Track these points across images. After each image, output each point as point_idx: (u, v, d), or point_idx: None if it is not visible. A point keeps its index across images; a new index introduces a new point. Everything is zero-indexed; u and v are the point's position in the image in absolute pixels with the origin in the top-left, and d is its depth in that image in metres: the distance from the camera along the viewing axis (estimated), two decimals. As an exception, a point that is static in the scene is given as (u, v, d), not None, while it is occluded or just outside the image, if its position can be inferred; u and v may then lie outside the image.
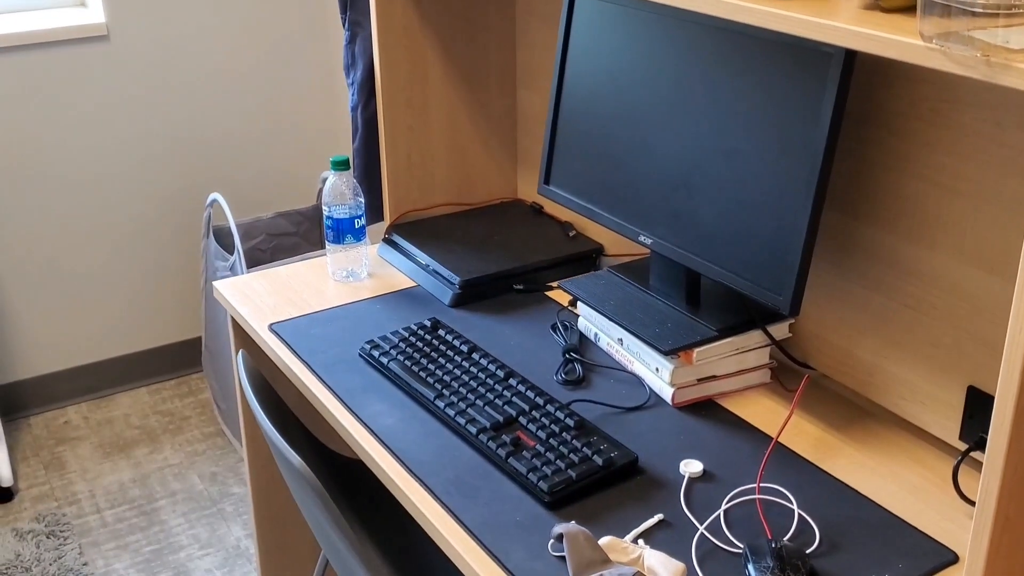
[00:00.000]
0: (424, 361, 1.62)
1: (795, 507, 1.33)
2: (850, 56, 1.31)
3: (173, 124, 3.13)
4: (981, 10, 0.93)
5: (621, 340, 1.65)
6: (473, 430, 1.46)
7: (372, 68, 2.09)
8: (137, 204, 3.14)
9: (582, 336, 1.75)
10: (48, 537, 2.63)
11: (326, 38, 3.28)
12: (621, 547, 1.24)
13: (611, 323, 1.64)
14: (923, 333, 1.44)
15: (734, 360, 1.57)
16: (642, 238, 1.64)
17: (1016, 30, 0.94)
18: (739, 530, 1.30)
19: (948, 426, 1.44)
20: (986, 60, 0.94)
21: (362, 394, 1.59)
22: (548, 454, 1.40)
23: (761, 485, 1.37)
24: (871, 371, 1.53)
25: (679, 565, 1.21)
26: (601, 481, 1.37)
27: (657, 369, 1.57)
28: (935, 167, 1.37)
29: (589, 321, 1.73)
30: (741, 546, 1.26)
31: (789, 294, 1.42)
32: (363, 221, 1.94)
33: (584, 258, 1.97)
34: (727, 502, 1.35)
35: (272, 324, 1.80)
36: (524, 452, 1.41)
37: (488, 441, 1.43)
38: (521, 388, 1.54)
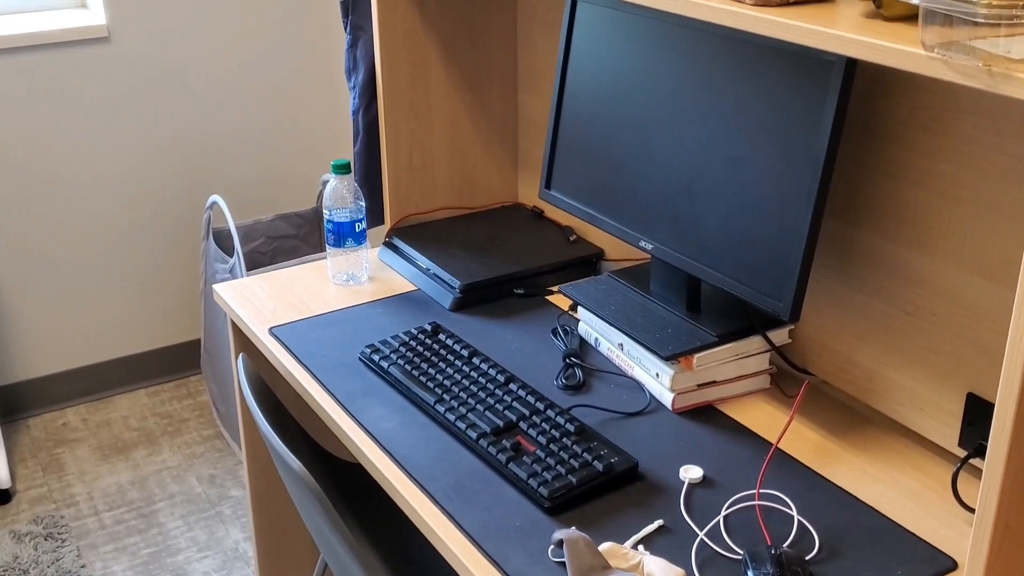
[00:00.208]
0: (424, 365, 1.63)
1: (795, 513, 1.34)
2: (851, 64, 1.32)
3: (173, 126, 3.13)
4: (983, 20, 0.93)
5: (621, 345, 1.65)
6: (473, 435, 1.46)
7: (374, 71, 2.09)
8: (137, 206, 3.15)
9: (582, 341, 1.75)
10: (46, 539, 2.62)
11: (327, 42, 3.28)
12: (621, 553, 1.24)
13: (611, 328, 1.65)
14: (923, 340, 1.44)
15: (734, 365, 1.58)
16: (643, 243, 1.64)
17: (1017, 40, 0.95)
18: (739, 536, 1.30)
19: (947, 433, 1.44)
20: (987, 70, 0.95)
21: (362, 398, 1.59)
22: (548, 459, 1.40)
23: (761, 491, 1.38)
24: (871, 377, 1.53)
25: (679, 571, 1.21)
26: (601, 487, 1.37)
27: (657, 374, 1.57)
28: (935, 175, 1.37)
29: (589, 326, 1.73)
30: (741, 552, 1.27)
31: (789, 300, 1.42)
32: (364, 225, 1.94)
33: (585, 262, 1.97)
34: (727, 508, 1.35)
35: (272, 327, 1.80)
36: (524, 457, 1.41)
37: (488, 446, 1.43)
38: (521, 393, 1.54)
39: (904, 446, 1.48)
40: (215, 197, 2.83)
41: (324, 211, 1.93)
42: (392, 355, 1.66)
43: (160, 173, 3.15)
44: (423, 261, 1.96)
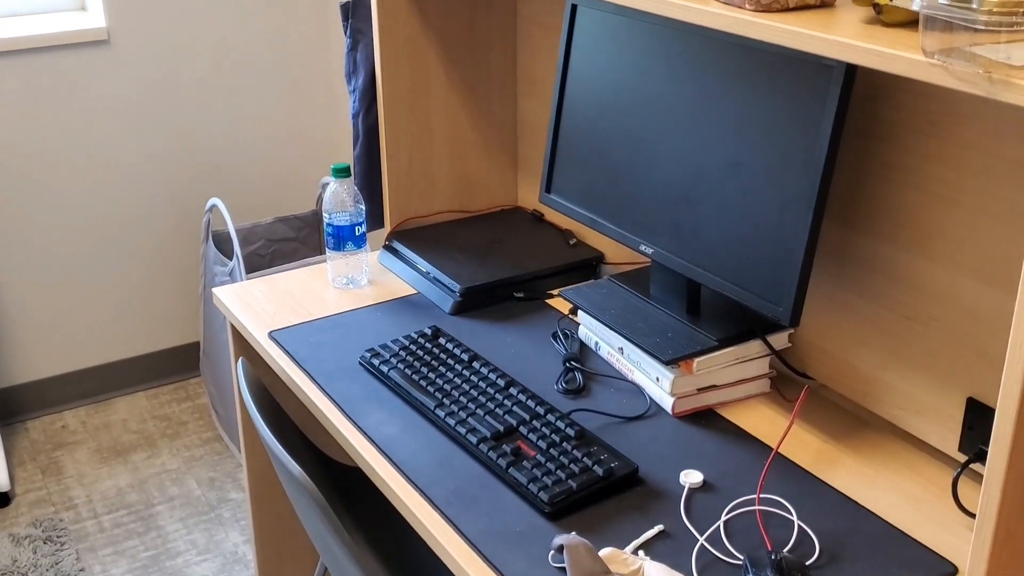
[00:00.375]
0: (424, 370, 1.63)
1: (795, 518, 1.34)
2: (851, 69, 1.32)
3: (173, 129, 3.13)
4: (983, 26, 0.93)
5: (622, 349, 1.65)
6: (473, 440, 1.46)
7: (373, 75, 2.09)
8: (136, 208, 3.14)
9: (582, 345, 1.75)
10: (45, 543, 2.62)
11: (327, 45, 3.28)
12: (621, 558, 1.24)
13: (612, 332, 1.65)
14: (922, 344, 1.44)
15: (734, 370, 1.58)
16: (643, 248, 1.64)
17: (1018, 46, 0.95)
18: (739, 541, 1.30)
19: (947, 437, 1.44)
20: (988, 76, 0.95)
21: (362, 403, 1.59)
22: (548, 464, 1.40)
23: (761, 496, 1.38)
24: (870, 382, 1.53)
25: (679, 576, 1.21)
26: (601, 491, 1.37)
27: (657, 378, 1.57)
28: (935, 179, 1.38)
29: (589, 330, 1.73)
30: (741, 557, 1.27)
31: (789, 305, 1.42)
32: (363, 228, 1.94)
33: (585, 266, 1.97)
34: (727, 513, 1.35)
35: (272, 331, 1.80)
36: (524, 462, 1.41)
37: (488, 451, 1.43)
38: (522, 397, 1.54)
39: (904, 450, 1.48)
40: (214, 200, 2.83)
41: (324, 215, 1.93)
42: (392, 359, 1.66)
43: (159, 176, 3.15)
44: (423, 265, 1.96)
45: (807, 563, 1.26)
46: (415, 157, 2.09)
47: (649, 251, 1.63)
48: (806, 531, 1.32)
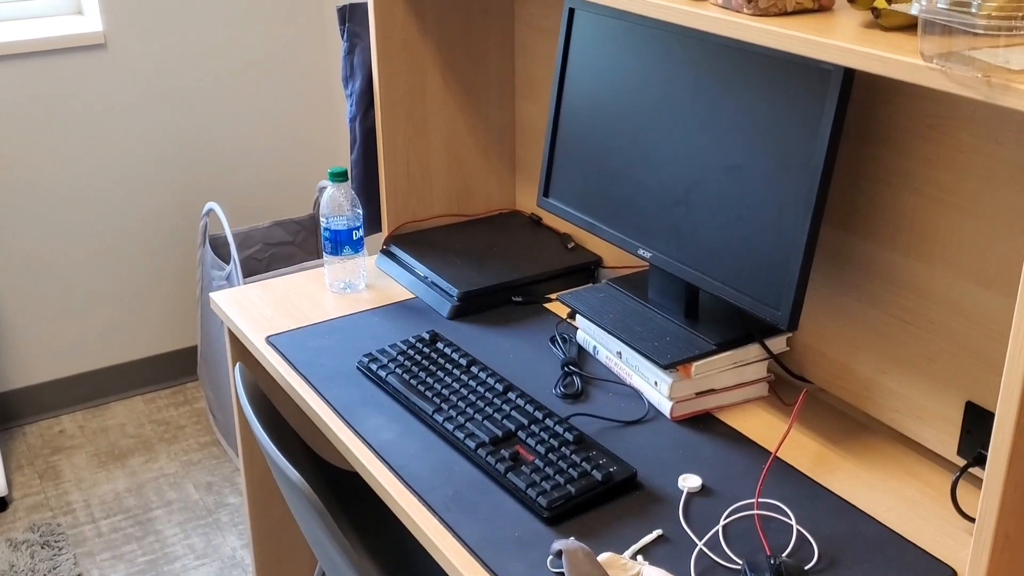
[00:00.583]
0: (422, 374, 1.62)
1: (793, 523, 1.33)
2: (849, 73, 1.32)
3: (170, 133, 3.12)
4: (982, 30, 0.93)
5: (620, 353, 1.65)
6: (472, 445, 1.46)
7: (371, 79, 2.09)
8: (133, 212, 3.14)
9: (581, 349, 1.75)
10: (43, 547, 2.62)
11: (324, 48, 3.28)
12: (620, 563, 1.24)
13: (610, 336, 1.64)
14: (920, 347, 1.44)
15: (732, 374, 1.57)
16: (641, 252, 1.64)
17: (1017, 50, 0.95)
18: (738, 546, 1.30)
19: (946, 441, 1.44)
20: (987, 81, 0.95)
21: (360, 408, 1.59)
22: (547, 469, 1.39)
23: (759, 500, 1.37)
24: (868, 385, 1.53)
25: (678, 581, 1.21)
26: (600, 496, 1.37)
27: (656, 383, 1.57)
28: (933, 183, 1.37)
29: (588, 334, 1.73)
30: (740, 562, 1.26)
31: (787, 309, 1.42)
32: (361, 233, 1.94)
33: (583, 270, 1.97)
34: (726, 517, 1.35)
35: (269, 336, 1.79)
36: (523, 467, 1.40)
37: (487, 456, 1.43)
38: (520, 402, 1.54)
39: (902, 454, 1.48)
40: (211, 204, 2.83)
41: (321, 219, 1.93)
42: (390, 364, 1.65)
43: (156, 180, 3.15)
44: (421, 269, 1.95)
45: (806, 568, 1.25)
46: (412, 161, 2.09)
47: (647, 255, 1.63)
48: (805, 535, 1.31)
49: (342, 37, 2.14)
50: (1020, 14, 0.92)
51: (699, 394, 1.56)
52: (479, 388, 1.58)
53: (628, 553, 1.28)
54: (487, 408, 1.53)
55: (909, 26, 1.12)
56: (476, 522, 1.34)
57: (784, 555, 1.27)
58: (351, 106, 2.15)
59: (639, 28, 1.60)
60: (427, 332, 1.74)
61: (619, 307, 1.68)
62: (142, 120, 3.07)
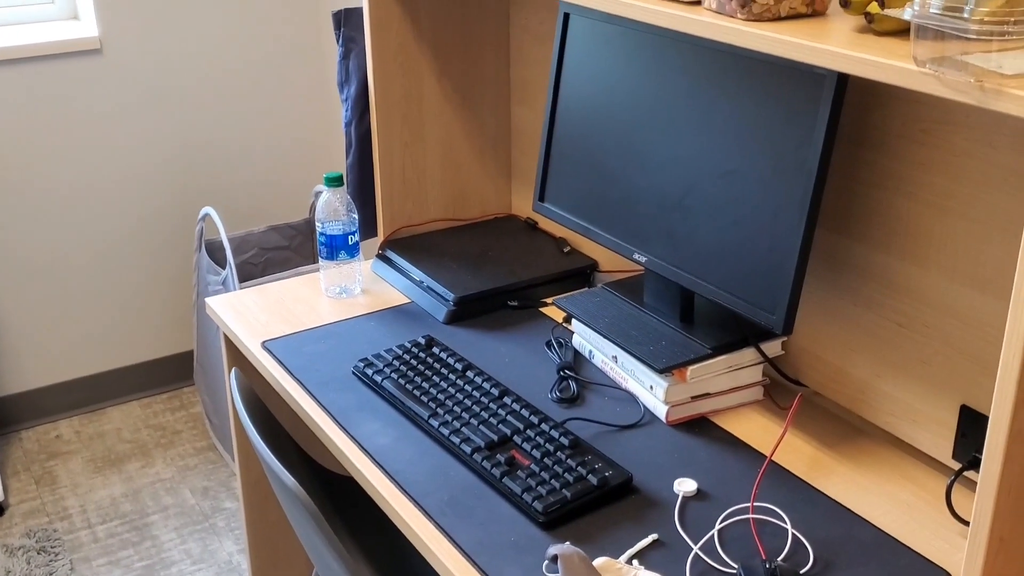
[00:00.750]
0: (418, 379, 1.62)
1: (789, 526, 1.33)
2: (843, 78, 1.32)
3: (166, 138, 3.12)
4: (974, 35, 0.94)
5: (615, 357, 1.65)
6: (467, 449, 1.46)
7: (366, 83, 2.09)
8: (129, 217, 3.14)
9: (576, 353, 1.75)
10: (39, 553, 2.61)
11: (320, 53, 3.28)
12: (616, 568, 1.24)
13: (605, 340, 1.65)
14: (915, 351, 1.44)
15: (728, 378, 1.58)
16: (636, 256, 1.64)
17: (1009, 55, 0.95)
18: (733, 550, 1.30)
19: (941, 444, 1.44)
20: (979, 85, 0.95)
21: (356, 413, 1.59)
22: (543, 473, 1.40)
23: (755, 504, 1.37)
24: (863, 389, 1.53)
25: (674, 586, 1.21)
26: (595, 501, 1.37)
27: (651, 387, 1.57)
28: (927, 187, 1.38)
29: (583, 338, 1.73)
30: (735, 566, 1.26)
31: (782, 313, 1.42)
32: (357, 237, 1.94)
33: (578, 274, 1.97)
34: (721, 522, 1.35)
35: (265, 341, 1.79)
36: (519, 471, 1.40)
37: (482, 460, 1.43)
38: (515, 406, 1.54)
39: (897, 458, 1.48)
40: (207, 209, 2.83)
41: (317, 224, 1.93)
42: (386, 369, 1.65)
43: (152, 184, 3.15)
44: (416, 274, 1.95)
45: (801, 571, 1.26)
46: (408, 165, 2.09)
47: (642, 259, 1.63)
48: (800, 539, 1.31)
49: (337, 42, 2.14)
50: (1012, 19, 0.92)
51: (694, 398, 1.56)
52: (475, 393, 1.58)
53: (624, 558, 1.28)
54: (483, 413, 1.53)
55: (902, 31, 1.13)
56: (472, 527, 1.34)
57: (780, 559, 1.28)
58: (347, 111, 2.15)
59: (634, 33, 1.60)
60: (423, 337, 1.74)
61: (614, 311, 1.69)
62: (138, 125, 3.07)
